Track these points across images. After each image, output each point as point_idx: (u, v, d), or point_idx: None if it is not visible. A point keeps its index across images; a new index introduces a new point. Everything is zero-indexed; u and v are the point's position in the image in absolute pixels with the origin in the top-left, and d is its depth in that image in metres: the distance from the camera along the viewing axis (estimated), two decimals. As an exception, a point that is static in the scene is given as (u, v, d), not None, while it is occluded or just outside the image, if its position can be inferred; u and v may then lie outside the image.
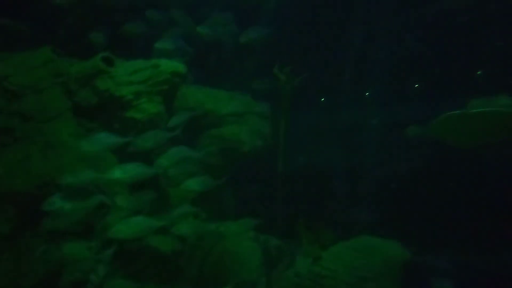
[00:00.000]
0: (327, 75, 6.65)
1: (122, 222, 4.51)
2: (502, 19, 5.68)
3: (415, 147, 6.07)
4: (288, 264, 5.11)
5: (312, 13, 6.52)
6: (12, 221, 4.58)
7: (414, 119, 5.65)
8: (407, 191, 5.95)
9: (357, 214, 6.03)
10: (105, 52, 5.23)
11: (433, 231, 5.41)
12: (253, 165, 6.32)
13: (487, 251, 5.03)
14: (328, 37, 6.60)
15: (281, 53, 6.32)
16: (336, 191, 6.44)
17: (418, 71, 6.39)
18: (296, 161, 6.71)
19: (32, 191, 4.51)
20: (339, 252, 4.58)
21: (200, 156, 5.00)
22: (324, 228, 5.05)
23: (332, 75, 6.67)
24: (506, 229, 5.23)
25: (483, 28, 5.84)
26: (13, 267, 4.51)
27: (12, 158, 4.60)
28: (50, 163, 4.62)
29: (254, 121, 6.28)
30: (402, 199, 5.94)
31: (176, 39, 5.71)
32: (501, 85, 5.23)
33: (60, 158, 4.54)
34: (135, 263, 4.97)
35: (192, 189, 4.79)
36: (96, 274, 4.44)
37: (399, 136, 5.85)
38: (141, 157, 4.69)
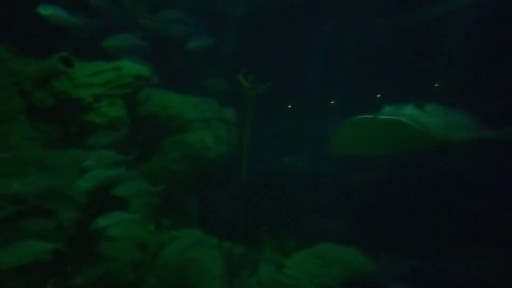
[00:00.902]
0: (292, 82, 6.71)
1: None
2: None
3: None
4: (251, 272, 5.08)
5: (278, 22, 6.57)
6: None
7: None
8: (370, 199, 6.07)
9: (320, 221, 6.07)
10: (64, 52, 5.02)
11: (394, 238, 5.53)
12: (218, 171, 6.25)
13: (445, 258, 5.18)
14: (294, 46, 6.67)
15: (248, 61, 6.33)
16: (299, 199, 6.48)
17: (378, 80, 6.57)
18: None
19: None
20: (302, 260, 4.60)
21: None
22: (287, 236, 5.06)
23: (297, 83, 6.74)
24: (464, 236, 5.44)
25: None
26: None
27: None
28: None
29: (220, 127, 6.23)
30: (365, 206, 6.04)
31: (127, 36, 5.51)
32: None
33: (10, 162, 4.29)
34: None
35: (82, 187, 4.43)
36: None
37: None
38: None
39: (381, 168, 6.12)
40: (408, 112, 3.61)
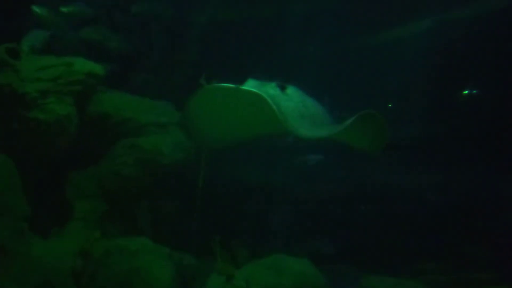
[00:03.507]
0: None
1: None
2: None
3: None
4: (201, 283, 4.93)
5: (239, 30, 6.59)
6: None
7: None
8: (326, 210, 6.11)
9: (274, 232, 6.03)
10: (11, 43, 4.74)
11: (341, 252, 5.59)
12: (173, 179, 6.07)
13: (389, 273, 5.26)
14: (256, 54, 6.69)
15: (211, 66, 6.27)
16: (257, 209, 6.42)
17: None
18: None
19: None
20: (252, 271, 4.52)
21: None
22: (239, 246, 4.96)
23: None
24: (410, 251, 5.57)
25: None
26: None
27: None
28: None
29: (177, 133, 6.05)
30: (321, 217, 6.08)
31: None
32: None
33: None
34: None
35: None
36: None
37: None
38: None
39: (334, 181, 6.20)
40: (270, 92, 3.32)
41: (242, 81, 3.35)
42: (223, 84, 2.94)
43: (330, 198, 6.24)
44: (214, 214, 6.04)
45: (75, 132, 5.00)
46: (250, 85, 3.34)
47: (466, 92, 6.32)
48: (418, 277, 5.05)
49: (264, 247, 5.34)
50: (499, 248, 5.41)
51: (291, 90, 3.67)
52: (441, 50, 6.40)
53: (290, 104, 3.43)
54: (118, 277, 4.85)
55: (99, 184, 5.34)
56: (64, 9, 5.46)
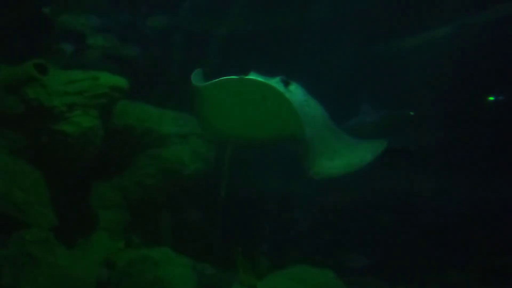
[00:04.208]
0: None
1: None
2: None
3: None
4: (223, 294, 4.91)
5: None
6: None
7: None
8: (345, 220, 6.03)
9: (296, 243, 5.97)
10: (39, 59, 4.91)
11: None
12: (194, 189, 6.11)
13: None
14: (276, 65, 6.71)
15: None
16: (277, 220, 6.37)
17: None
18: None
19: None
20: (274, 282, 4.48)
21: None
22: (261, 257, 4.93)
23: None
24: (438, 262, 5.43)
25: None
26: None
27: None
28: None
29: (198, 144, 6.11)
30: (342, 228, 5.99)
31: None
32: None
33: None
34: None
35: None
36: None
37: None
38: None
39: (354, 189, 6.11)
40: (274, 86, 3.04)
41: (244, 75, 3.22)
42: (230, 77, 2.80)
43: (354, 207, 6.16)
44: (235, 224, 6.04)
45: (100, 144, 5.10)
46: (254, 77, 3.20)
47: (492, 98, 6.17)
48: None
49: (287, 257, 5.28)
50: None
51: (294, 86, 3.55)
52: (463, 55, 6.29)
53: (295, 98, 3.30)
54: (142, 287, 4.90)
55: (123, 194, 5.42)
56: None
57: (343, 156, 3.17)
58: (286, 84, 3.41)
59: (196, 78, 3.45)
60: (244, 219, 6.14)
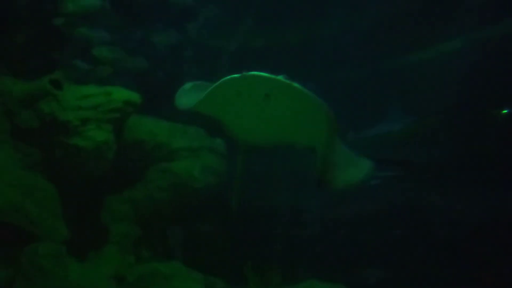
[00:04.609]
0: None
1: None
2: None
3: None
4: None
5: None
6: None
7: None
8: (356, 234, 5.96)
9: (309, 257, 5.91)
10: (54, 74, 5.01)
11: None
12: (205, 202, 6.10)
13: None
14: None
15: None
16: (288, 234, 6.32)
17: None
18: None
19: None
20: (286, 297, 4.40)
21: None
22: (272, 271, 4.88)
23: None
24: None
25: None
26: None
27: None
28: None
29: (208, 157, 6.13)
30: (353, 241, 5.92)
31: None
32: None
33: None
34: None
35: None
36: None
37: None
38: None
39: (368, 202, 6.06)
40: None
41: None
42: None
43: (366, 221, 6.10)
44: (246, 238, 6.00)
45: (113, 158, 5.14)
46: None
47: (505, 111, 6.13)
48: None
49: (298, 272, 5.22)
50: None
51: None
52: (473, 69, 6.28)
53: None
54: (152, 301, 4.87)
55: (134, 208, 5.44)
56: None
57: (352, 166, 3.08)
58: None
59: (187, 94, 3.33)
60: (255, 233, 6.11)
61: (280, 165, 6.34)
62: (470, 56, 6.32)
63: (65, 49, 5.66)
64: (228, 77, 2.75)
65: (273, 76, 2.55)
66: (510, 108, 6.01)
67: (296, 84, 2.61)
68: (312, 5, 6.43)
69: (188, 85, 3.33)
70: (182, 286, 4.93)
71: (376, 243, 5.84)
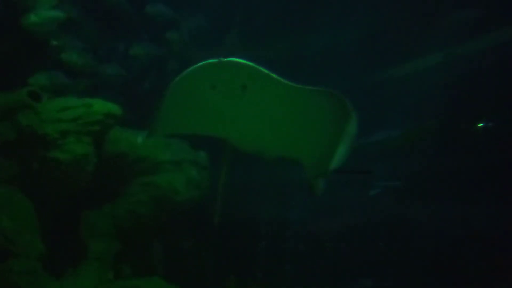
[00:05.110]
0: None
1: None
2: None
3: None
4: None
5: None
6: None
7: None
8: (344, 247, 5.95)
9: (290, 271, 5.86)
10: (32, 87, 4.91)
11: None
12: (188, 216, 6.02)
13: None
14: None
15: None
16: (272, 247, 6.27)
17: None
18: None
19: None
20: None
21: None
22: (256, 286, 4.82)
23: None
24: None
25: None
26: None
27: None
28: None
29: (191, 170, 6.06)
30: (339, 254, 5.91)
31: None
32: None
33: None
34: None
35: None
36: None
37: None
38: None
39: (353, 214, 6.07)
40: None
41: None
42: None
43: (349, 233, 6.10)
44: (229, 252, 5.93)
45: (93, 171, 5.04)
46: None
47: (482, 124, 6.27)
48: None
49: (281, 285, 5.16)
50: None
51: None
52: (453, 83, 6.42)
53: None
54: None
55: (114, 222, 5.32)
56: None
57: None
58: None
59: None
60: (238, 246, 6.04)
61: (265, 176, 6.32)
62: (449, 71, 6.46)
63: (41, 61, 5.58)
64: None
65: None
66: (487, 121, 6.15)
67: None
68: (298, 17, 6.52)
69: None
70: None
71: (361, 255, 5.84)
